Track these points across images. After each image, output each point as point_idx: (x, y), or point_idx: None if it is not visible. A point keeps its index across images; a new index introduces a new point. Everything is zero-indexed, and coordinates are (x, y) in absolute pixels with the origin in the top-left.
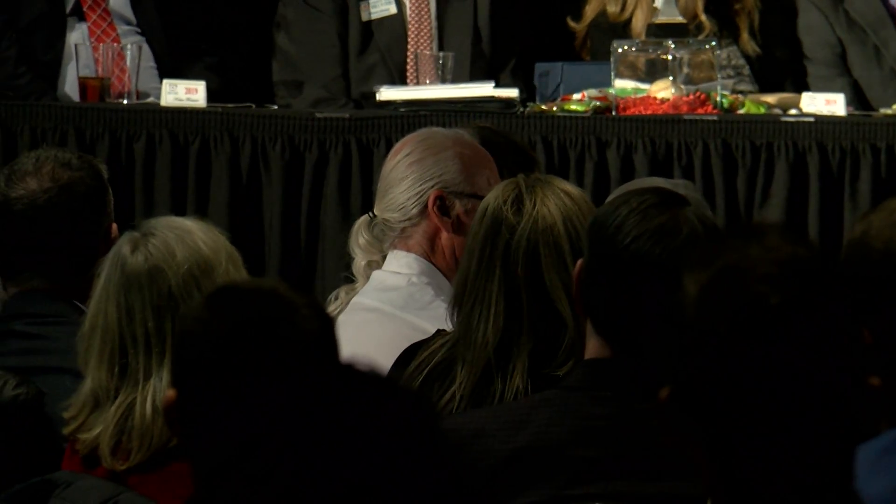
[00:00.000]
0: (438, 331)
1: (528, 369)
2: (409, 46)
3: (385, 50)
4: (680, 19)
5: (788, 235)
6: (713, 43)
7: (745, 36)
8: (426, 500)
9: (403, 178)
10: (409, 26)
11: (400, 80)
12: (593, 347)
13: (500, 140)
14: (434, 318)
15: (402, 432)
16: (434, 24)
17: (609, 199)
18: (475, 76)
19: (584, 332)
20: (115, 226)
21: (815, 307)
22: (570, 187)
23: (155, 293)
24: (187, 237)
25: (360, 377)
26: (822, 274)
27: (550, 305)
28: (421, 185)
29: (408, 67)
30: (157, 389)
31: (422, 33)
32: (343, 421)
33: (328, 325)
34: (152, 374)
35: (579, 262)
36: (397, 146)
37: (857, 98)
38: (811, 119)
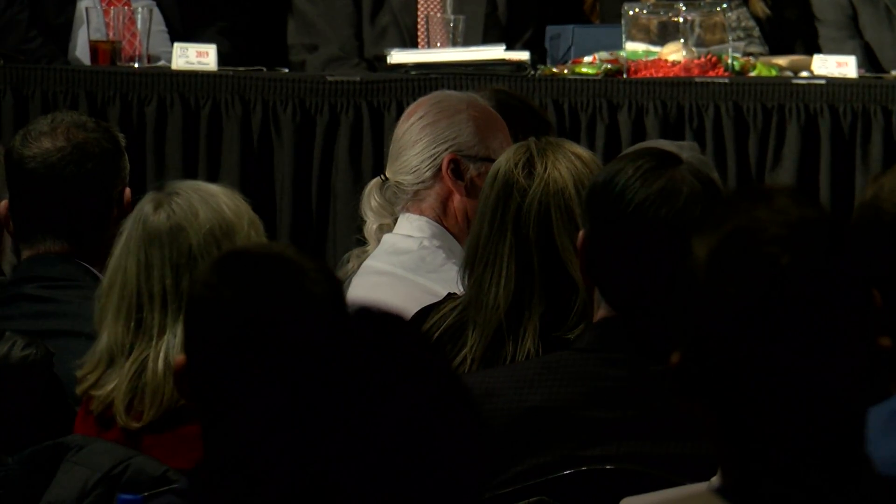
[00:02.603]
0: (449, 294)
1: (539, 332)
2: (419, 9)
3: (397, 11)
4: None
5: (797, 197)
6: (724, 5)
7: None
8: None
9: (417, 141)
10: None
11: (411, 42)
12: (604, 309)
13: (515, 103)
14: (445, 281)
15: (420, 400)
16: None
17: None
18: (489, 44)
19: (594, 297)
20: (128, 191)
21: (824, 268)
22: (581, 150)
23: (175, 251)
24: (211, 199)
25: (366, 338)
26: (832, 235)
27: (562, 268)
28: (435, 147)
29: (419, 30)
30: (171, 346)
31: None
32: (353, 388)
33: (337, 288)
34: (166, 330)
35: (580, 233)
36: (410, 108)
37: (869, 60)
38: (822, 81)
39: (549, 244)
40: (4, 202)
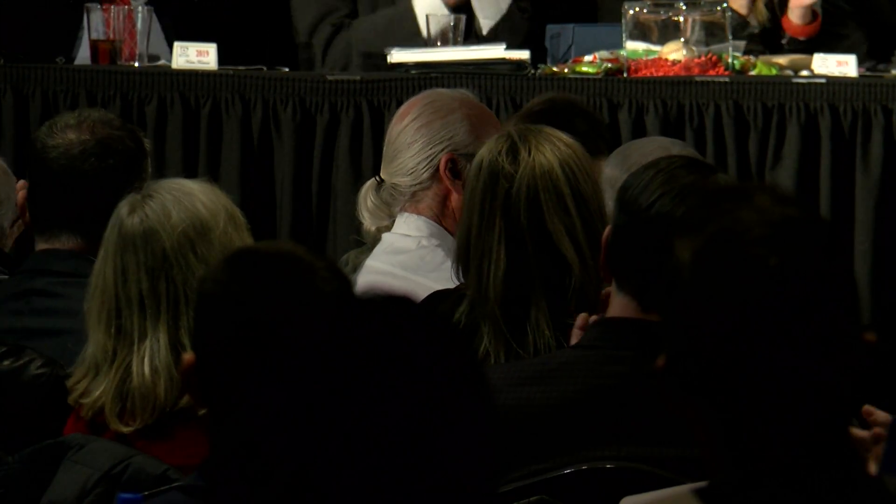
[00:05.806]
0: (458, 286)
1: (549, 317)
2: None
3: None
4: None
5: (777, 196)
6: (724, 4)
7: (760, 6)
8: (471, 446)
9: (412, 143)
10: None
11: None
12: (617, 307)
13: (569, 111)
14: (445, 279)
15: (440, 388)
16: None
17: (611, 157)
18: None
19: (591, 275)
20: None
21: (812, 266)
22: (563, 135)
23: (149, 254)
24: (186, 199)
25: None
26: (814, 232)
27: (555, 250)
28: (431, 148)
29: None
30: (155, 350)
31: None
32: (362, 386)
33: (347, 287)
34: (147, 334)
35: (608, 227)
36: (403, 109)
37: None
38: (823, 80)
39: (541, 227)
40: (23, 182)
